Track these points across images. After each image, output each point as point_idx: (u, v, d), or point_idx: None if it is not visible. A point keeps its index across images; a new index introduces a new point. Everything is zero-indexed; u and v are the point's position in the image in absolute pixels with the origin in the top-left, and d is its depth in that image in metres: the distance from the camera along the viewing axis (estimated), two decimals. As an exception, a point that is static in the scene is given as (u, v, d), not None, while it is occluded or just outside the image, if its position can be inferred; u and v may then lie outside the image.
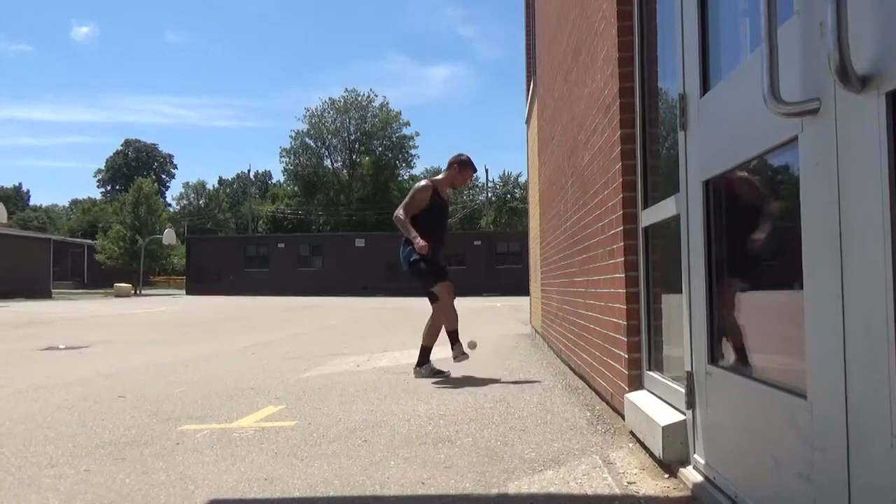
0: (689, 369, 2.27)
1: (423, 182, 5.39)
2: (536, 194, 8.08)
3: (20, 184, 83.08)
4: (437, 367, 5.16)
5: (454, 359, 5.23)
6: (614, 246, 3.23)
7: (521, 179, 57.73)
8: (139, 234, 38.59)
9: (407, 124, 62.17)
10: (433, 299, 5.23)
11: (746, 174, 1.96)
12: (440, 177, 5.50)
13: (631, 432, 2.91)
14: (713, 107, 2.06)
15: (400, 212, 5.22)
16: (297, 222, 60.63)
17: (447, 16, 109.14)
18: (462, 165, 5.41)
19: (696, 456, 2.24)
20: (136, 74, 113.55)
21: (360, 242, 34.16)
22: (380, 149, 61.36)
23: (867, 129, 1.20)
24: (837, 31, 1.17)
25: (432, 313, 5.28)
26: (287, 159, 62.40)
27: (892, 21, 1.14)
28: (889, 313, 1.15)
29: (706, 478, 2.11)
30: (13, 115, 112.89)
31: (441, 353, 5.47)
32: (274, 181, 73.10)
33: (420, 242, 5.02)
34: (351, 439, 3.08)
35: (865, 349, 1.23)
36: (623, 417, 3.06)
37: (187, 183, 79.99)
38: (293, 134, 61.81)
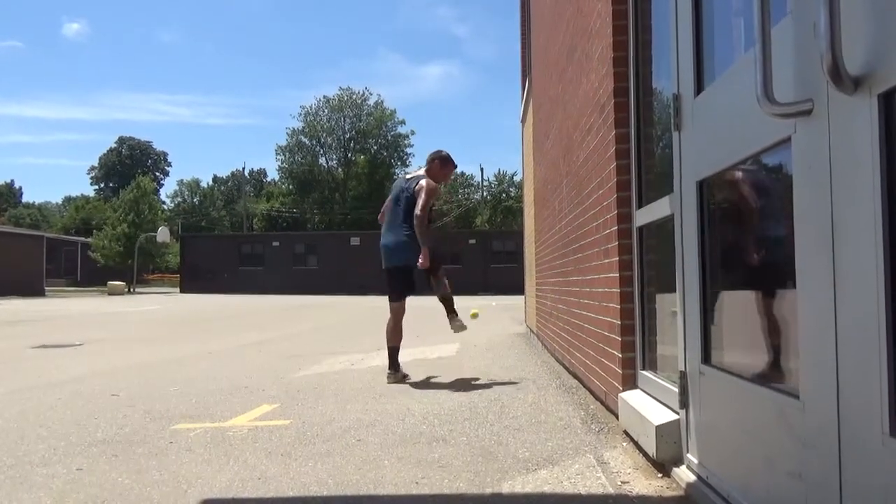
0: (683, 369, 2.28)
1: (430, 181, 4.96)
2: (531, 193, 8.09)
3: (12, 180, 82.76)
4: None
5: (388, 378, 4.78)
6: (609, 245, 3.24)
7: (517, 178, 57.74)
8: (136, 232, 38.42)
9: (402, 123, 62.08)
10: (397, 299, 4.99)
11: (740, 174, 1.96)
12: (424, 172, 5.11)
13: (625, 432, 2.92)
14: (707, 107, 2.07)
15: (424, 215, 4.81)
16: (292, 221, 60.50)
17: (440, 15, 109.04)
18: (443, 161, 5.13)
19: (689, 455, 2.24)
20: (129, 72, 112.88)
21: (355, 241, 34.04)
22: (375, 147, 61.27)
23: (859, 130, 1.21)
24: (830, 32, 1.17)
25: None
26: (282, 157, 62.35)
27: (885, 23, 1.14)
28: (880, 312, 1.16)
29: (699, 477, 2.11)
30: (5, 111, 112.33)
31: (426, 352, 5.46)
32: (269, 179, 73.00)
33: (426, 261, 4.74)
34: (345, 438, 3.08)
35: (857, 348, 1.24)
36: (617, 417, 3.07)
37: (181, 180, 79.57)
38: (289, 131, 61.81)
